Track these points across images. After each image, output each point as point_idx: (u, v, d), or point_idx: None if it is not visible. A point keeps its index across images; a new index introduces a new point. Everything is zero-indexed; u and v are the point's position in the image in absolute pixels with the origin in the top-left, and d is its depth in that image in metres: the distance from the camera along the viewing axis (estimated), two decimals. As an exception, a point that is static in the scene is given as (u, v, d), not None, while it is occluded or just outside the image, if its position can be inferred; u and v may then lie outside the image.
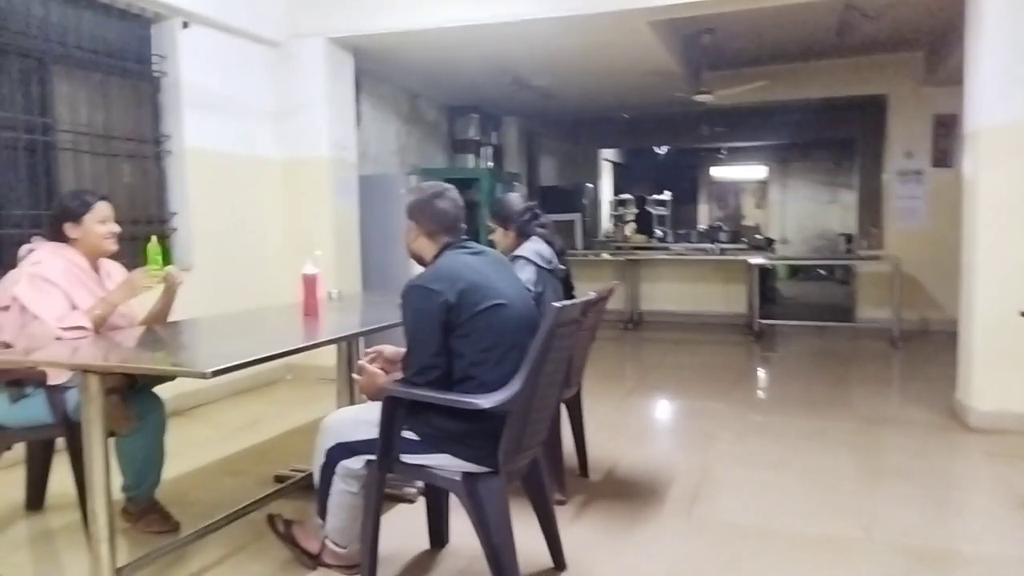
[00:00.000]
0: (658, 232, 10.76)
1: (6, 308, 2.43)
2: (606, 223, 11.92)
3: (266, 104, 5.32)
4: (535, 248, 2.94)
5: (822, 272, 12.60)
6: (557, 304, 2.10)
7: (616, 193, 13.04)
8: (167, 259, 2.71)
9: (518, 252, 2.95)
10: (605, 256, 8.35)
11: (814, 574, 2.46)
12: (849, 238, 11.25)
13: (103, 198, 2.65)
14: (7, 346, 2.39)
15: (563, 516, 2.77)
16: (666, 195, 11.74)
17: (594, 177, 12.01)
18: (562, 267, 3.05)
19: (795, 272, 12.68)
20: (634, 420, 4.49)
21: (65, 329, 2.38)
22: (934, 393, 4.70)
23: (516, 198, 3.17)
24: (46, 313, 2.39)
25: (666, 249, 9.03)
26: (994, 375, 4.05)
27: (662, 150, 13.13)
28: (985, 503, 3.14)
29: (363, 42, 5.42)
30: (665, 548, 2.65)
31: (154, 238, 2.66)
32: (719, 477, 3.38)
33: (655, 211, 11.39)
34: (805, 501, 3.09)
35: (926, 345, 6.62)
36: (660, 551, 2.63)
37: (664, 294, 8.21)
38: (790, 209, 14.81)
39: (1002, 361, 4.02)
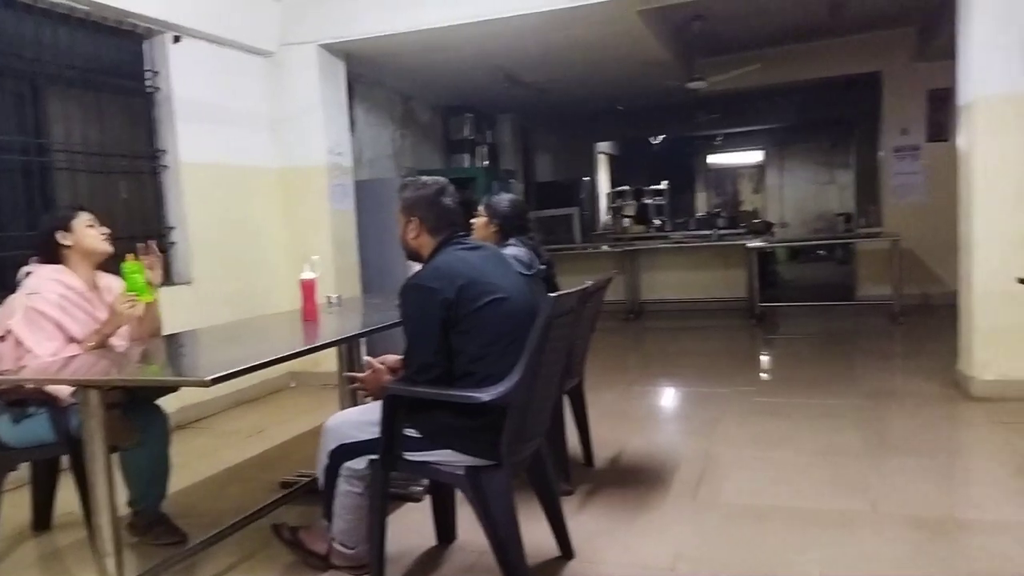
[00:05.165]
0: (656, 221, 10.76)
1: (2, 338, 2.46)
2: (604, 216, 11.91)
3: (261, 114, 5.34)
4: (512, 254, 2.93)
5: (822, 253, 12.57)
6: (554, 294, 2.11)
7: (613, 185, 13.03)
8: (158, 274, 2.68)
9: None
10: (604, 248, 8.35)
11: (821, 549, 2.46)
12: (848, 217, 11.23)
13: (81, 209, 2.67)
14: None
15: (570, 505, 2.79)
16: (663, 184, 11.73)
17: (590, 171, 12.00)
18: (543, 267, 3.06)
19: (796, 254, 12.66)
20: (638, 408, 4.50)
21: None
22: (937, 365, 4.70)
23: (515, 201, 3.19)
24: (41, 349, 2.41)
25: (665, 238, 9.03)
26: (994, 344, 4.06)
27: (658, 140, 13.11)
28: (989, 470, 3.16)
29: (353, 47, 5.43)
30: (672, 531, 2.66)
31: (129, 256, 2.58)
32: (725, 460, 3.39)
33: (652, 201, 11.38)
34: (812, 478, 3.10)
35: (927, 319, 6.60)
36: (667, 534, 2.64)
37: (665, 283, 8.21)
38: (788, 192, 14.79)
39: (1001, 330, 4.02)
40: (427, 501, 2.71)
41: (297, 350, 2.33)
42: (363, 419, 2.24)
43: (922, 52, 7.14)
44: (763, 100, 10.01)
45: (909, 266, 7.07)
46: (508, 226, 3.08)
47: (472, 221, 3.15)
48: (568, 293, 2.26)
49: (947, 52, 4.46)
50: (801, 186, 14.62)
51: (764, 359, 5.87)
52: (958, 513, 2.76)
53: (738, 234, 8.53)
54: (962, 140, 4.28)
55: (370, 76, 6.56)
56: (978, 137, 4.08)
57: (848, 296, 7.99)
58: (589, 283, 2.72)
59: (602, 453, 3.43)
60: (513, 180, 8.71)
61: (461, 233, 2.31)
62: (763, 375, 5.31)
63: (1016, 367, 4.01)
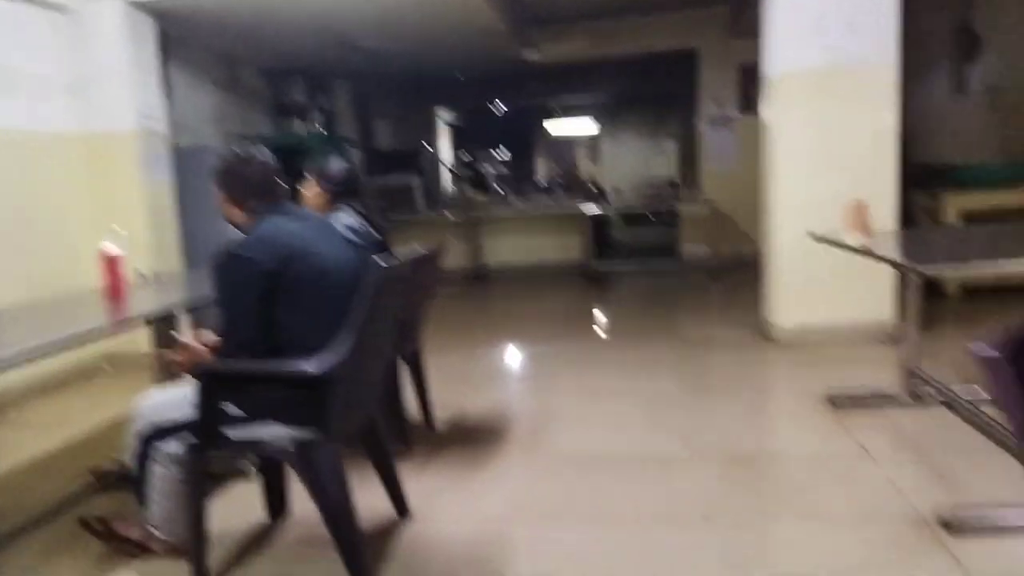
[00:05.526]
0: (498, 189, 10.90)
1: None
2: (446, 184, 11.90)
3: (60, 76, 4.79)
4: (343, 222, 2.85)
5: (652, 217, 13.30)
6: (381, 262, 2.08)
7: (455, 154, 13.04)
8: None
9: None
10: (447, 216, 8.36)
11: (641, 489, 2.65)
12: (673, 184, 11.93)
13: None
14: None
15: (409, 468, 2.81)
16: (504, 153, 11.89)
17: (432, 139, 11.92)
18: (377, 236, 3.02)
19: (628, 219, 13.31)
20: (479, 369, 4.58)
21: None
22: (746, 315, 5.16)
23: (346, 168, 3.09)
24: None
25: (506, 206, 9.17)
26: (792, 295, 4.53)
27: (499, 109, 13.22)
28: (789, 406, 3.53)
29: (167, 4, 4.99)
30: (507, 484, 2.76)
31: None
32: (561, 412, 3.55)
33: (494, 169, 11.52)
34: (637, 424, 3.32)
35: (741, 274, 7.20)
36: (502, 487, 2.73)
37: (507, 248, 8.39)
38: (621, 160, 15.46)
39: (798, 282, 4.49)
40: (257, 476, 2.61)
41: (88, 329, 2.14)
42: (176, 398, 2.11)
43: (734, 29, 7.67)
44: (596, 72, 10.35)
45: (724, 227, 7.68)
46: (339, 194, 3.01)
47: (301, 189, 3.04)
48: (397, 262, 2.23)
49: (756, 30, 4.84)
50: (633, 155, 15.32)
51: (599, 317, 6.16)
52: (762, 445, 3.06)
53: (575, 201, 8.83)
54: (766, 112, 4.68)
55: (189, 36, 6.08)
56: (778, 109, 4.49)
57: (673, 256, 8.55)
58: (420, 250, 2.71)
59: (443, 415, 3.47)
60: (351, 147, 8.47)
61: (282, 202, 2.21)
62: (597, 331, 5.57)
63: (810, 314, 4.49)
